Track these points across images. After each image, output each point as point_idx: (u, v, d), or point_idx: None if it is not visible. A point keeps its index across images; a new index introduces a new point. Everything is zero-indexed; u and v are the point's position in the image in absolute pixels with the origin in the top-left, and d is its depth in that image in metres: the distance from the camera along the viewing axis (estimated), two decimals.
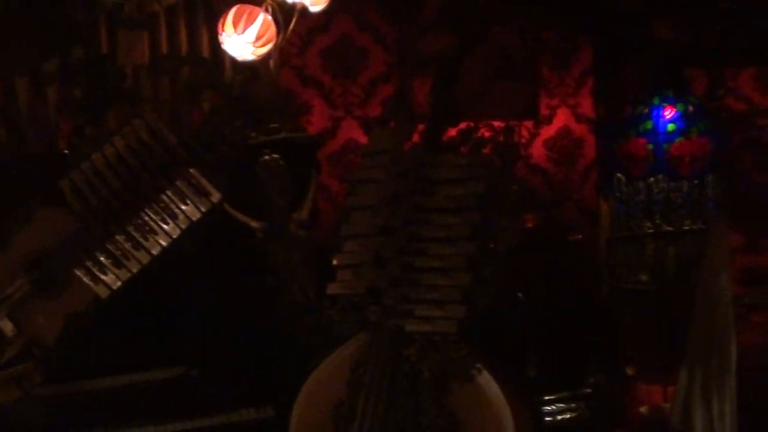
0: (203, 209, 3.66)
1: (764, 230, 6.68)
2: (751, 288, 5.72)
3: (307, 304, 3.91)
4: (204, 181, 3.67)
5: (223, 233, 3.96)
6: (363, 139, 5.76)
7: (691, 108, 6.61)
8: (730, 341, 4.03)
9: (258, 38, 4.84)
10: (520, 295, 4.90)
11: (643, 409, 5.67)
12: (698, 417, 4.05)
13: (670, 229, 6.19)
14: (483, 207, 3.16)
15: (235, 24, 4.80)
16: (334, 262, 3.26)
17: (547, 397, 4.99)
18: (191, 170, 3.66)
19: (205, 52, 5.31)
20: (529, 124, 6.79)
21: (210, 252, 3.91)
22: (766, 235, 6.66)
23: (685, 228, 6.16)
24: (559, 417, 4.99)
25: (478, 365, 3.00)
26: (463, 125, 3.54)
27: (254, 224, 4.15)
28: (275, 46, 4.99)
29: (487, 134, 3.52)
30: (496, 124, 6.24)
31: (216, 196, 3.71)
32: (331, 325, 3.24)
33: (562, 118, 6.90)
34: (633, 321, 6.00)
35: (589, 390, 5.19)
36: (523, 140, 6.73)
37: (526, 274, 4.92)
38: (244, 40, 4.82)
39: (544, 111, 6.86)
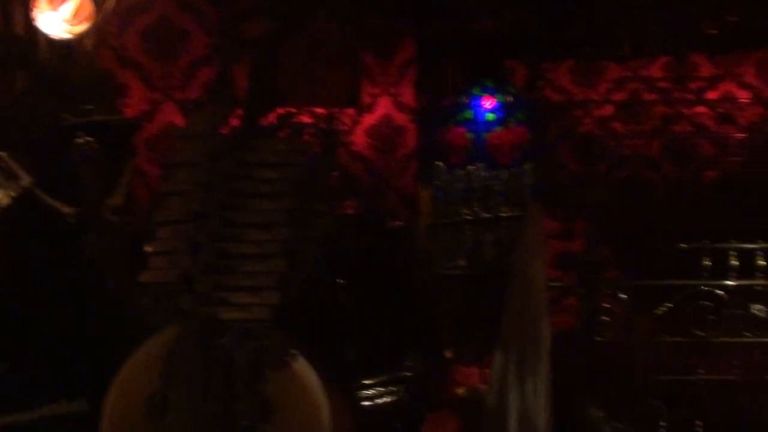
0: (13, 194, 3.52)
1: (578, 217, 6.93)
2: (565, 272, 5.91)
3: (120, 293, 3.81)
4: (14, 165, 3.53)
5: (33, 219, 3.82)
6: (182, 123, 5.65)
7: (509, 98, 6.79)
8: (543, 323, 4.15)
9: (74, 16, 4.68)
10: (339, 281, 4.91)
11: (460, 391, 5.77)
12: (513, 396, 4.16)
13: (488, 215, 6.35)
14: (300, 193, 3.15)
15: (50, 0, 4.63)
16: (147, 248, 3.18)
17: (366, 382, 5.02)
18: (0, 153, 3.52)
19: (19, 28, 5.09)
20: (351, 111, 6.81)
21: (19, 239, 3.77)
22: (580, 221, 6.90)
23: (503, 215, 6.33)
24: (378, 401, 5.02)
25: (294, 352, 2.99)
26: (282, 110, 3.51)
27: (66, 210, 4.01)
28: (92, 24, 4.83)
29: (308, 120, 3.51)
30: (319, 110, 6.28)
31: (26, 180, 3.58)
32: (144, 315, 3.17)
33: (383, 107, 6.95)
34: (451, 305, 6.12)
35: (407, 374, 5.25)
36: (345, 128, 6.74)
37: (346, 260, 4.93)
38: (59, 17, 4.65)
39: (366, 99, 6.89)
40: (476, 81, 6.84)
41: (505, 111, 6.70)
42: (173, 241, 3.13)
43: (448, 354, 5.98)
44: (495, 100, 6.75)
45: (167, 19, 6.02)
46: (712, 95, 8.47)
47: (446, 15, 6.84)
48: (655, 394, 5.22)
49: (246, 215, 3.12)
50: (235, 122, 3.48)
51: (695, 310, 5.33)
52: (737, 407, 5.37)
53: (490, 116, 6.67)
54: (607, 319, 5.33)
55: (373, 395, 5.00)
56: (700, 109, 8.48)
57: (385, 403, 5.06)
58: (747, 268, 5.38)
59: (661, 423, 5.08)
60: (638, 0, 7.25)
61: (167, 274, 3.11)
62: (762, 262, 5.34)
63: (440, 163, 6.52)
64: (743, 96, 8.44)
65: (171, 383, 2.98)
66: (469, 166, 6.47)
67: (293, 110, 3.49)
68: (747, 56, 8.39)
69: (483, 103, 6.73)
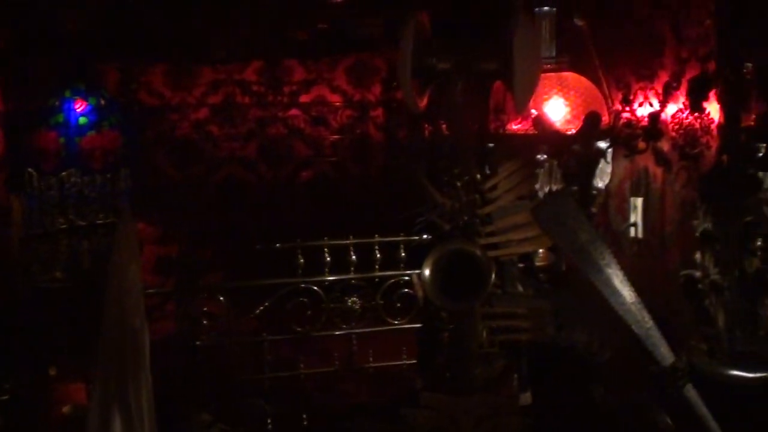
0: None
1: (176, 221, 6.91)
2: (164, 278, 5.85)
3: None
4: None
5: None
6: None
7: (102, 101, 6.64)
8: (142, 331, 4.07)
9: None
10: None
11: (65, 409, 5.56)
12: (115, 410, 4.02)
13: (84, 223, 6.15)
14: None
15: None
16: None
17: None
18: None
19: None
20: None
21: None
22: (178, 225, 6.88)
23: (99, 222, 6.16)
24: None
25: None
26: None
27: None
28: None
29: None
30: None
31: None
32: None
33: None
34: (51, 320, 5.87)
35: (5, 396, 4.98)
36: None
37: None
38: None
39: None
40: (67, 83, 6.61)
41: (98, 114, 6.54)
42: None
43: (53, 371, 5.73)
44: (87, 103, 6.57)
45: None
46: (305, 98, 8.85)
47: (33, 13, 6.56)
48: (259, 393, 5.31)
49: None
50: None
51: (294, 307, 5.48)
52: (339, 395, 5.60)
53: (83, 120, 6.48)
54: (207, 322, 5.35)
55: None
56: (294, 111, 8.83)
57: None
58: (341, 264, 5.61)
59: (268, 420, 5.18)
60: (230, 4, 7.38)
61: None
62: (354, 257, 5.58)
63: (32, 170, 6.23)
64: (335, 99, 8.89)
65: None
66: (62, 173, 6.24)
67: None
68: (337, 62, 8.84)
69: (75, 106, 6.53)
